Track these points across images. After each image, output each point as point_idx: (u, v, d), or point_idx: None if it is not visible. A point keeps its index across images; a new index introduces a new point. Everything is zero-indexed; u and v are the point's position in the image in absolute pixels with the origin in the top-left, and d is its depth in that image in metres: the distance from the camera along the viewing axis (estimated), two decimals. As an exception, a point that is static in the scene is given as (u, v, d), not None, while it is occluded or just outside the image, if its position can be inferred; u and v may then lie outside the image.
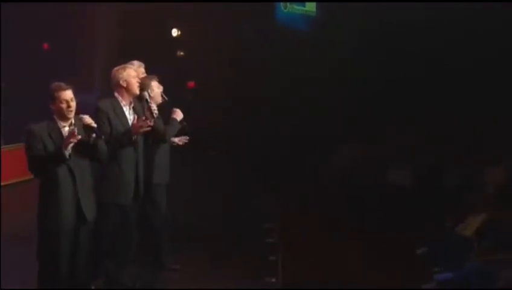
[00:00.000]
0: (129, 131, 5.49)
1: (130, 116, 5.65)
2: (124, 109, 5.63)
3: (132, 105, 5.70)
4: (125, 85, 5.61)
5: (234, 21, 15.16)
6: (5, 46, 12.71)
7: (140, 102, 5.83)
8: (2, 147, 10.16)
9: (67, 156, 4.68)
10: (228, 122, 14.58)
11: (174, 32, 15.26)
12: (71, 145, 4.67)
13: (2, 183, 10.07)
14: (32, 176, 4.91)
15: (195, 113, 11.93)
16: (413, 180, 10.16)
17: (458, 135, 10.91)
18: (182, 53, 15.72)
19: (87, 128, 4.85)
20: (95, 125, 4.90)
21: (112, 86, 5.68)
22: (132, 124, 5.51)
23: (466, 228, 7.56)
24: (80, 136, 4.69)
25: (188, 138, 6.49)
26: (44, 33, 13.92)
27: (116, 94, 5.64)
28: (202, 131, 12.54)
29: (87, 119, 4.89)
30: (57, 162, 4.72)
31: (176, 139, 6.47)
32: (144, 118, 5.56)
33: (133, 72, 5.67)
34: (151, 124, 5.57)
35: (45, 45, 13.95)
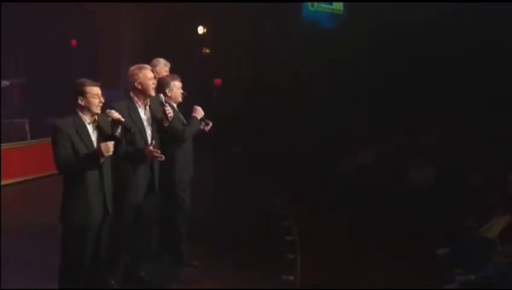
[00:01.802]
0: (142, 151, 5.50)
1: (144, 116, 5.64)
2: (139, 110, 5.61)
3: (148, 104, 5.67)
4: (140, 87, 5.57)
5: (260, 18, 15.14)
6: (33, 43, 12.93)
7: (157, 102, 5.76)
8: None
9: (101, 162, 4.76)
10: (252, 120, 14.57)
11: (200, 29, 15.30)
12: (108, 155, 4.73)
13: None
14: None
15: (220, 110, 12.05)
16: (435, 180, 10.03)
17: (482, 134, 10.76)
18: (207, 50, 15.74)
19: (115, 122, 4.87)
20: (123, 119, 4.94)
21: (128, 86, 5.67)
22: (146, 149, 5.47)
23: (489, 229, 7.47)
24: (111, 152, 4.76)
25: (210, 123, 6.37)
26: (72, 30, 14.06)
27: (131, 94, 5.62)
28: (226, 128, 12.64)
29: (115, 114, 4.92)
30: (90, 166, 4.77)
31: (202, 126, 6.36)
32: (159, 151, 5.49)
33: (149, 74, 5.61)
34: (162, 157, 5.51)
35: (73, 42, 14.04)
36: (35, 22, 13.15)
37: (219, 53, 15.45)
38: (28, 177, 10.61)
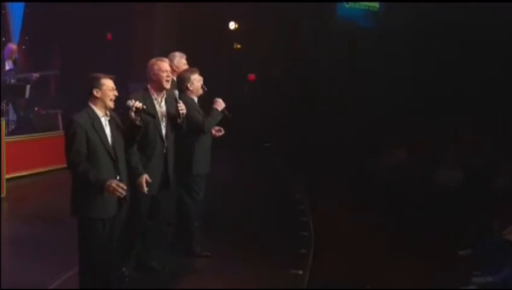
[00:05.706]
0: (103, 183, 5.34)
1: (160, 108, 5.71)
2: (155, 102, 5.67)
3: (164, 97, 5.74)
4: (154, 78, 5.65)
5: (293, 14, 15.10)
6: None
7: (173, 98, 5.81)
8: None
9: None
10: (279, 116, 14.54)
11: (232, 25, 15.33)
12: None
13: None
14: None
15: (249, 104, 12.13)
16: (461, 181, 9.88)
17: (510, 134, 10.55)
18: (238, 46, 15.76)
19: (137, 111, 4.96)
20: (144, 106, 5.03)
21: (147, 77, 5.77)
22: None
23: (512, 232, 7.34)
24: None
25: (222, 130, 6.46)
26: (108, 24, 14.29)
27: (148, 86, 5.70)
28: (258, 122, 12.68)
29: (138, 102, 4.99)
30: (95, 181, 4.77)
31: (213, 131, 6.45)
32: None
33: (163, 66, 5.65)
34: None
35: (109, 35, 14.26)
36: (71, 15, 13.42)
37: (250, 49, 15.46)
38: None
